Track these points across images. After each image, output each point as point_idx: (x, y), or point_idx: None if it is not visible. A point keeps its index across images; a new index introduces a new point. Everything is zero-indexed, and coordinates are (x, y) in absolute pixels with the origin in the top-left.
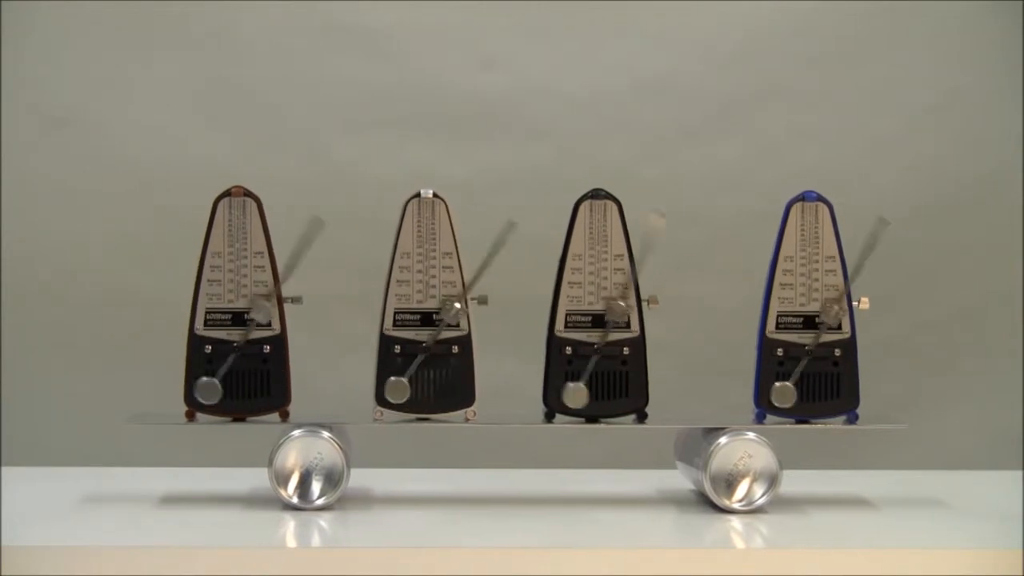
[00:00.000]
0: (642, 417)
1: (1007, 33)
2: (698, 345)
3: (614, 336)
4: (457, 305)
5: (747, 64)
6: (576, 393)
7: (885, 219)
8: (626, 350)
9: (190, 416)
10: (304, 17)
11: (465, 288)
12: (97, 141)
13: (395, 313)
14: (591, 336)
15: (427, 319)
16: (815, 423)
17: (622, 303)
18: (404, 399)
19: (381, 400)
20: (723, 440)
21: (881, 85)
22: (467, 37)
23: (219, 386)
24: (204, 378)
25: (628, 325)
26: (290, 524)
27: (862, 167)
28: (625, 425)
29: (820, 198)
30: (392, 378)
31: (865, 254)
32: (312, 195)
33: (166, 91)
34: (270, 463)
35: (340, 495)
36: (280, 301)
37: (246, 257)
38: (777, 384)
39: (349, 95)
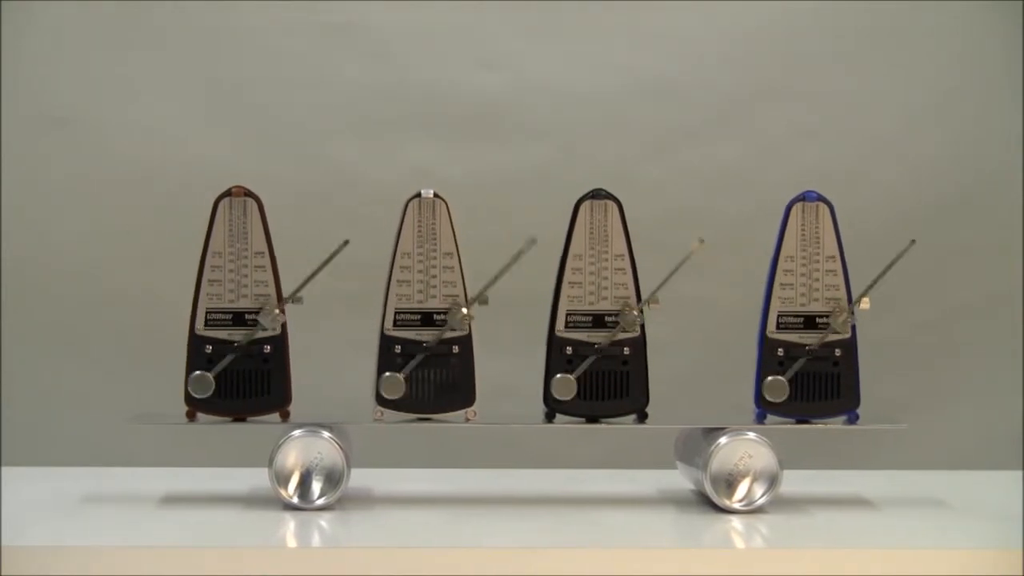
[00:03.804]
0: (642, 417)
1: (1007, 33)
2: (698, 345)
3: (615, 337)
4: (464, 311)
5: (747, 64)
6: (564, 384)
7: (914, 240)
8: (626, 350)
9: (191, 416)
10: (304, 17)
11: (467, 298)
12: (97, 141)
13: (396, 313)
14: (591, 336)
15: (428, 319)
16: (815, 423)
17: (635, 312)
18: (399, 395)
19: (381, 400)
20: (723, 440)
21: (881, 85)
22: (467, 37)
23: (211, 379)
24: (197, 371)
25: None
26: (290, 524)
27: (862, 167)
28: (626, 425)
29: (820, 198)
30: (387, 373)
31: (886, 270)
32: (312, 195)
33: (166, 91)
34: (270, 463)
35: (340, 495)
36: (281, 301)
37: (247, 257)
38: (769, 378)
39: (349, 95)
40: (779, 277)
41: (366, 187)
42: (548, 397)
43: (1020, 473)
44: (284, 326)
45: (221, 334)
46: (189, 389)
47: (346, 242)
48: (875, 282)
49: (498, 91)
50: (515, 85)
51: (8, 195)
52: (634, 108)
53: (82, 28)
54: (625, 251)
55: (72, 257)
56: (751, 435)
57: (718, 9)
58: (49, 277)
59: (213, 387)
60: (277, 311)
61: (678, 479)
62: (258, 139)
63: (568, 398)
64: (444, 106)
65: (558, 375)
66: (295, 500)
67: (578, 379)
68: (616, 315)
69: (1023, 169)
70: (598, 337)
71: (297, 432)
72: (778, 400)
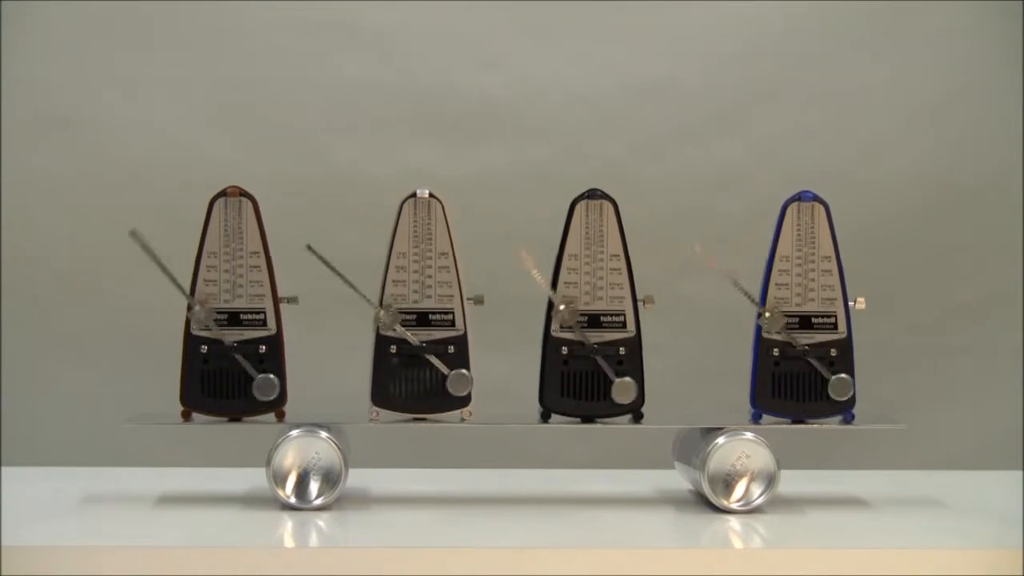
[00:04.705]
0: (638, 417)
1: (1007, 33)
2: (695, 345)
3: (611, 336)
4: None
5: (747, 64)
6: (623, 387)
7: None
8: (622, 350)
9: (186, 416)
10: (305, 17)
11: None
12: (97, 141)
13: None
14: (587, 336)
15: (423, 319)
16: (812, 423)
17: (562, 307)
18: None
19: (377, 400)
20: (721, 440)
21: (881, 85)
22: (467, 37)
23: (275, 381)
24: (260, 375)
25: (624, 325)
26: (288, 524)
27: (862, 167)
28: (622, 425)
29: (816, 198)
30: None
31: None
32: (312, 195)
33: (166, 91)
34: (268, 463)
35: (338, 495)
36: (277, 301)
37: (242, 257)
38: (835, 377)
39: (349, 95)
40: (775, 277)
41: (365, 187)
42: (544, 397)
43: (1020, 473)
44: (280, 325)
45: (216, 334)
46: (255, 393)
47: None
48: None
49: (498, 91)
50: (515, 85)
51: (8, 195)
52: (634, 108)
53: (82, 28)
54: (621, 251)
55: (72, 257)
56: (748, 435)
57: (718, 9)
58: (49, 277)
59: (278, 388)
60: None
61: (676, 479)
62: (258, 139)
63: (629, 401)
64: (444, 106)
65: (617, 379)
66: (293, 500)
67: (573, 379)
68: (612, 315)
69: (1023, 169)
70: (594, 337)
71: (295, 432)
72: (844, 398)
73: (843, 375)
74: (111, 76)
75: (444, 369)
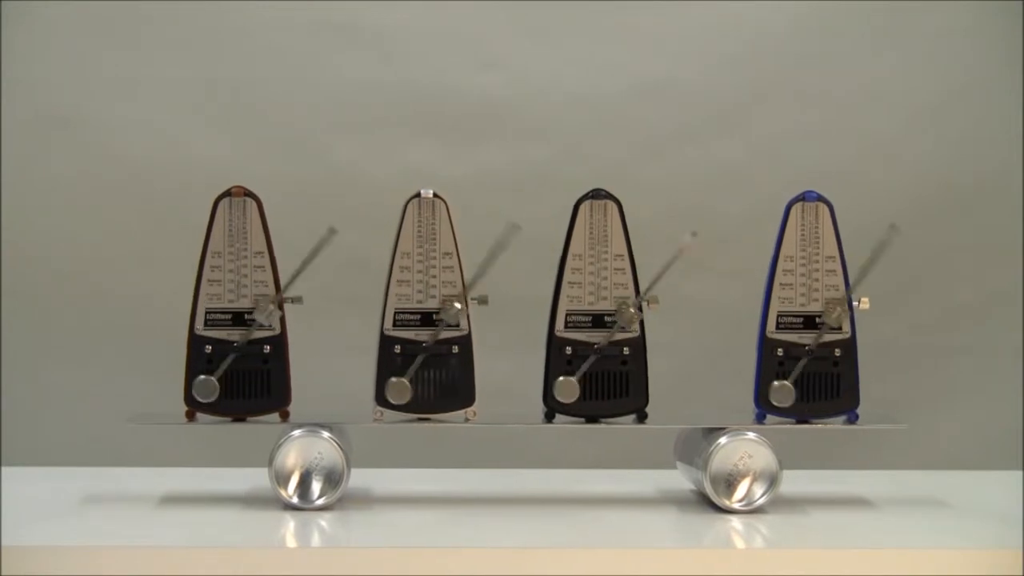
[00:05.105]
0: (642, 417)
1: (1007, 33)
2: (698, 345)
3: (614, 336)
4: (457, 305)
5: (747, 64)
6: (566, 386)
7: (896, 226)
8: (626, 350)
9: (190, 416)
10: (304, 17)
11: (465, 288)
12: (97, 141)
13: (395, 313)
14: (591, 336)
15: (427, 319)
16: (815, 423)
17: (632, 309)
18: (406, 400)
19: (381, 400)
20: (723, 440)
21: (881, 85)
22: (467, 37)
23: (216, 384)
24: (201, 376)
25: None
26: (290, 524)
27: (862, 167)
28: (625, 425)
29: (820, 198)
30: (393, 379)
31: (873, 260)
32: (312, 195)
33: (166, 91)
34: (270, 463)
35: (340, 495)
36: (280, 302)
37: (246, 257)
38: (776, 383)
39: (349, 95)
40: (779, 277)
41: (366, 187)
42: (548, 397)
43: (1020, 473)
44: (284, 325)
45: (221, 334)
46: (193, 393)
47: (333, 231)
48: (865, 271)
49: (498, 91)
50: (515, 85)
51: (8, 195)
52: (634, 108)
53: (82, 28)
54: (625, 251)
55: (72, 257)
56: (751, 435)
57: (718, 9)
58: (49, 277)
59: (218, 391)
60: (272, 307)
61: (678, 479)
62: (258, 139)
63: (571, 400)
64: (444, 106)
65: (560, 378)
66: (295, 500)
67: (579, 380)
68: (615, 314)
69: (1023, 169)
70: (598, 337)
71: (297, 432)
72: (786, 405)
73: (785, 382)
74: (111, 76)
75: None
